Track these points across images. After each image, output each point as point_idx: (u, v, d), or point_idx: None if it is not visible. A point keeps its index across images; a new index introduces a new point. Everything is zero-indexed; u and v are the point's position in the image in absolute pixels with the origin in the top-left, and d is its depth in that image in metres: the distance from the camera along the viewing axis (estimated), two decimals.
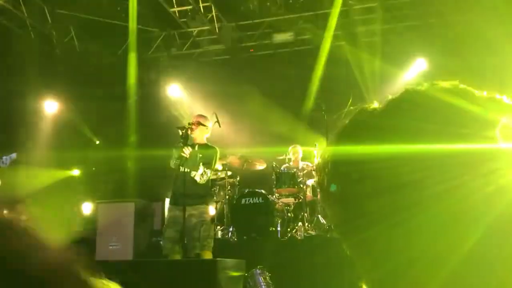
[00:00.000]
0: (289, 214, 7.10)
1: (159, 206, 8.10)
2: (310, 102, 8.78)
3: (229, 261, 4.11)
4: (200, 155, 5.40)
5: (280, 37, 9.95)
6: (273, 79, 9.47)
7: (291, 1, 9.71)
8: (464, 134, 0.55)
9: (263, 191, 7.05)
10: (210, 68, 10.28)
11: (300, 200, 7.24)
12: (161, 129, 8.64)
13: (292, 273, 5.52)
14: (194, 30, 10.21)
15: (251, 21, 10.25)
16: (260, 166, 7.71)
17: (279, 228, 6.77)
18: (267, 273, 3.99)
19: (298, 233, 6.59)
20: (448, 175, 0.53)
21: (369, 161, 0.57)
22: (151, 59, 10.80)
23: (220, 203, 7.71)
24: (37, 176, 8.69)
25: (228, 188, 7.43)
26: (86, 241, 8.42)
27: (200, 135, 5.56)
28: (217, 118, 7.37)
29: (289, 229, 6.93)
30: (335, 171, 0.59)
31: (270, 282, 3.89)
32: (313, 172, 7.54)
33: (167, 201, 8.10)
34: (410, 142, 0.56)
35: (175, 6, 9.37)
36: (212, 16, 9.68)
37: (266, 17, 10.09)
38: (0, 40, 9.25)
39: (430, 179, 0.54)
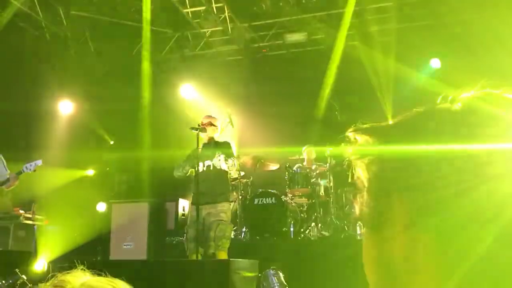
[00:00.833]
0: (302, 215, 7.09)
1: (173, 206, 8.13)
2: (323, 102, 8.75)
3: (243, 262, 4.11)
4: (214, 153, 5.44)
5: (293, 37, 9.93)
6: (286, 80, 9.47)
7: (304, 1, 9.68)
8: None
9: (276, 192, 7.05)
10: (223, 68, 10.30)
11: (313, 201, 7.23)
12: (174, 130, 8.68)
13: (306, 274, 5.50)
14: (207, 31, 10.24)
15: (263, 22, 10.25)
16: (273, 166, 7.71)
17: (292, 229, 6.77)
18: (281, 274, 3.98)
19: (312, 233, 6.58)
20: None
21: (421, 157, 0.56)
22: (164, 60, 10.86)
23: (233, 203, 7.72)
24: (53, 176, 8.79)
25: (241, 188, 7.45)
26: (101, 240, 8.50)
27: (211, 135, 5.65)
28: (230, 118, 7.39)
29: (302, 230, 6.92)
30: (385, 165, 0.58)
31: (284, 282, 3.88)
32: (327, 173, 7.52)
33: (181, 201, 8.16)
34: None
35: (188, 7, 9.40)
36: (225, 16, 9.70)
37: (279, 17, 10.08)
38: (16, 41, 9.37)
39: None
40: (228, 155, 5.37)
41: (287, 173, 7.31)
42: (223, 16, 9.68)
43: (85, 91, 10.06)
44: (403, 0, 9.40)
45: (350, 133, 0.65)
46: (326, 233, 6.69)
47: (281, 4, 9.73)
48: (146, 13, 9.27)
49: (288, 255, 5.91)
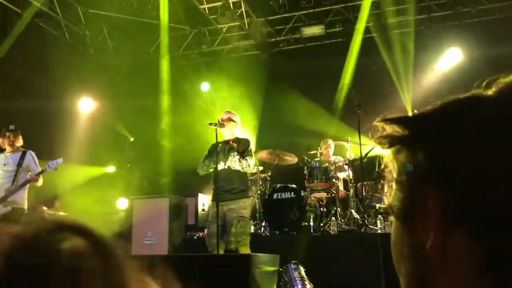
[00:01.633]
0: (321, 209, 7.06)
1: (193, 201, 8.20)
2: (342, 96, 8.69)
3: (263, 256, 4.12)
4: (234, 149, 5.47)
5: (310, 31, 9.87)
6: (303, 73, 9.43)
7: None
8: None
9: (294, 186, 7.03)
10: (240, 63, 10.31)
11: (332, 195, 7.19)
12: (193, 125, 8.73)
13: (326, 268, 5.49)
14: (224, 27, 10.25)
15: (280, 16, 10.22)
16: (292, 160, 7.69)
17: (311, 223, 6.74)
18: (302, 268, 3.98)
19: (331, 227, 6.55)
20: None
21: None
22: (182, 56, 10.92)
23: (252, 198, 7.73)
24: (74, 173, 8.92)
25: (260, 183, 7.45)
26: (122, 236, 8.61)
27: (231, 131, 5.63)
28: (248, 113, 7.40)
29: (321, 224, 6.90)
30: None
31: (305, 276, 3.88)
32: (345, 167, 7.48)
33: (200, 196, 8.21)
34: None
35: (205, 3, 9.43)
36: (242, 11, 9.70)
37: (296, 11, 10.03)
38: (37, 41, 9.52)
39: None
40: (246, 154, 5.41)
41: (305, 167, 7.28)
42: (239, 11, 9.68)
43: (105, 89, 10.19)
44: None
45: (377, 123, 0.62)
46: (346, 227, 6.65)
47: None
48: (164, 10, 9.32)
49: (308, 249, 5.89)
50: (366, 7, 8.98)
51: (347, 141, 7.54)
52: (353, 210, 7.01)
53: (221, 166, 5.41)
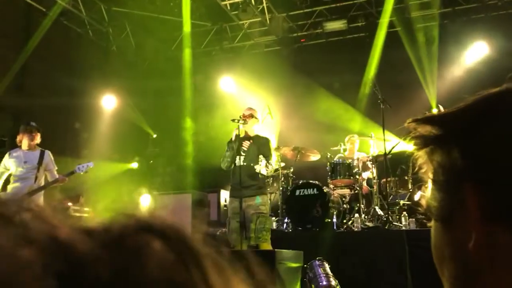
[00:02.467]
0: (344, 206, 7.00)
1: (215, 197, 8.23)
2: (365, 91, 8.60)
3: (287, 252, 4.10)
4: (255, 147, 5.47)
5: (332, 26, 9.78)
6: (326, 69, 9.36)
7: None
8: None
9: (317, 182, 6.98)
10: (262, 59, 10.29)
11: (356, 191, 7.12)
12: (215, 121, 8.75)
13: (350, 265, 5.45)
14: (245, 23, 10.24)
15: (302, 11, 10.15)
16: (314, 157, 7.63)
17: (334, 220, 6.69)
18: (327, 264, 3.96)
19: (355, 224, 6.49)
20: None
21: None
22: (203, 53, 10.95)
23: (274, 194, 7.71)
24: (98, 169, 9.03)
25: (282, 179, 7.42)
26: None
27: (251, 127, 5.63)
28: (269, 109, 7.37)
29: (345, 221, 6.84)
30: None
31: (330, 273, 3.85)
32: (368, 163, 7.40)
33: (223, 192, 8.24)
34: None
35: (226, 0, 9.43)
36: (263, 7, 9.66)
37: (317, 6, 9.95)
38: (61, 39, 9.66)
39: None
40: (268, 155, 5.42)
41: (328, 163, 7.23)
42: (261, 7, 9.64)
43: (128, 85, 10.28)
44: None
45: (410, 123, 0.60)
46: (370, 224, 6.57)
47: None
48: (186, 7, 9.36)
49: (331, 246, 5.86)
50: (389, 1, 8.85)
51: (371, 137, 7.45)
52: (377, 207, 6.93)
53: (240, 162, 5.41)
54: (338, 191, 7.15)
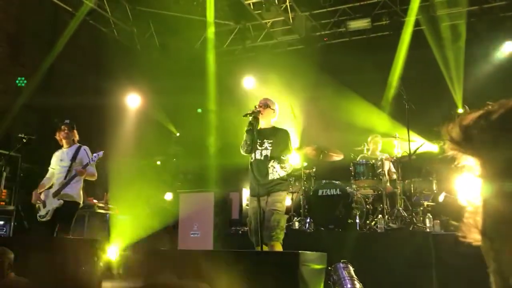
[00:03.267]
0: (368, 206, 6.95)
1: (237, 196, 8.26)
2: (390, 91, 8.50)
3: (311, 254, 4.08)
4: (271, 141, 5.10)
5: (356, 24, 9.69)
6: (349, 68, 9.29)
7: None
8: None
9: (340, 183, 6.95)
10: (284, 58, 10.26)
11: (379, 192, 7.06)
12: (238, 120, 8.76)
13: (373, 267, 5.41)
14: (268, 22, 10.23)
15: (325, 10, 10.09)
16: (337, 157, 7.59)
17: (357, 220, 6.65)
18: (351, 267, 3.93)
19: (378, 225, 6.43)
20: None
21: None
22: (226, 52, 10.99)
23: (296, 194, 7.70)
24: (122, 167, 9.16)
25: (304, 179, 7.41)
26: (169, 229, 8.79)
27: (268, 119, 5.23)
28: (292, 109, 7.35)
29: (368, 221, 6.79)
30: None
31: (354, 275, 3.83)
32: (392, 164, 7.33)
33: (244, 191, 8.26)
34: None
35: None
36: (286, 6, 9.64)
37: (341, 5, 9.88)
38: (87, 38, 9.82)
39: None
40: (286, 150, 5.07)
41: (352, 163, 7.18)
42: (284, 5, 9.62)
43: (152, 84, 10.39)
44: None
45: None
46: (394, 225, 6.51)
47: None
48: (210, 6, 9.41)
49: (354, 247, 5.82)
50: None
51: (395, 137, 7.38)
52: (400, 208, 6.86)
53: (257, 155, 5.10)
54: (361, 192, 7.10)
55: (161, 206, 9.49)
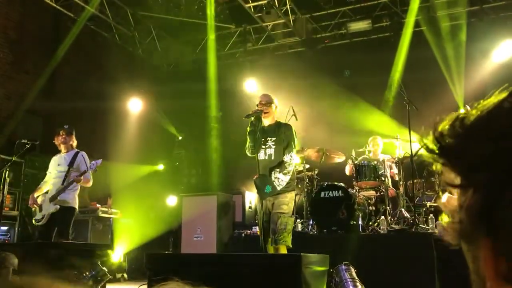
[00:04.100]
0: (370, 208, 6.95)
1: (240, 198, 8.28)
2: (392, 92, 8.52)
3: (313, 256, 4.10)
4: (274, 138, 4.99)
5: (357, 26, 9.71)
6: (350, 70, 9.31)
7: None
8: None
9: (342, 184, 6.96)
10: (286, 61, 10.30)
11: (381, 193, 7.06)
12: (240, 123, 8.79)
13: (377, 268, 5.41)
14: (269, 24, 10.26)
15: (325, 12, 10.11)
16: (339, 158, 7.61)
17: (360, 222, 6.65)
18: (353, 269, 3.94)
19: (381, 226, 6.44)
20: None
21: None
22: (227, 55, 11.02)
23: (298, 196, 7.71)
24: (125, 171, 9.19)
25: (307, 181, 7.42)
26: (172, 233, 8.81)
27: (271, 116, 5.12)
28: (293, 111, 7.35)
29: (370, 223, 6.80)
30: None
31: (356, 277, 3.84)
32: (394, 165, 7.33)
33: (247, 194, 8.28)
34: None
35: (250, 2, 9.47)
36: (287, 8, 9.67)
37: (341, 7, 9.90)
38: (89, 43, 9.87)
39: None
40: (289, 147, 4.94)
41: (353, 165, 7.19)
42: (284, 8, 9.65)
43: (153, 88, 10.44)
44: None
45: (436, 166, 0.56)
46: (397, 227, 6.51)
47: None
48: (210, 10, 9.44)
49: (357, 249, 5.83)
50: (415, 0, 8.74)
51: (396, 138, 7.38)
52: (403, 209, 6.86)
53: (261, 156, 4.99)
54: (363, 193, 7.10)
55: (164, 210, 9.51)
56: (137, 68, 10.64)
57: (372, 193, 7.16)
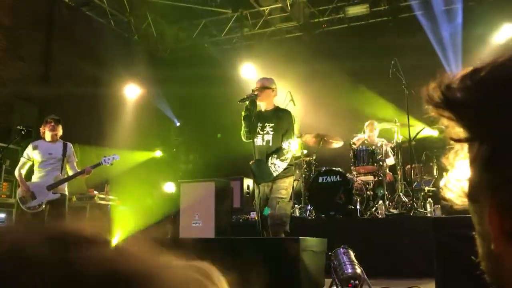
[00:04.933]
0: (368, 192, 6.96)
1: (238, 184, 8.25)
2: (389, 76, 8.47)
3: (311, 240, 4.09)
4: (272, 124, 4.87)
5: (355, 10, 9.62)
6: (348, 54, 9.23)
7: None
8: None
9: (340, 169, 6.96)
10: (283, 46, 10.21)
11: (379, 178, 7.06)
12: (237, 109, 8.74)
13: (374, 252, 5.42)
14: (266, 9, 10.16)
15: None
16: (337, 144, 7.59)
17: (358, 207, 6.66)
18: (352, 252, 3.94)
19: (379, 211, 6.44)
20: None
21: None
22: (225, 41, 10.93)
23: (296, 181, 7.70)
24: (123, 158, 9.15)
25: (305, 166, 7.41)
26: (170, 219, 8.80)
27: (268, 100, 4.96)
28: (291, 96, 7.31)
29: (368, 208, 6.81)
30: None
31: (354, 260, 3.84)
32: (391, 149, 7.31)
33: (245, 179, 8.26)
34: None
35: None
36: None
37: None
38: (84, 30, 9.76)
39: None
40: (288, 134, 4.83)
41: (351, 150, 7.18)
42: None
43: (150, 74, 10.35)
44: None
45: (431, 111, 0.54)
46: (395, 211, 6.52)
47: None
48: None
49: (355, 233, 5.84)
50: None
51: (394, 122, 7.36)
52: (401, 193, 6.87)
53: (258, 141, 4.89)
54: (361, 178, 7.11)
55: (161, 197, 9.50)
56: (133, 54, 10.54)
57: (370, 178, 7.17)
